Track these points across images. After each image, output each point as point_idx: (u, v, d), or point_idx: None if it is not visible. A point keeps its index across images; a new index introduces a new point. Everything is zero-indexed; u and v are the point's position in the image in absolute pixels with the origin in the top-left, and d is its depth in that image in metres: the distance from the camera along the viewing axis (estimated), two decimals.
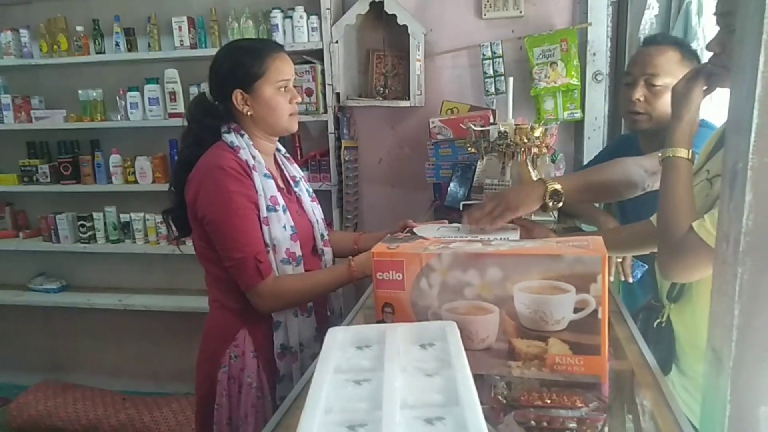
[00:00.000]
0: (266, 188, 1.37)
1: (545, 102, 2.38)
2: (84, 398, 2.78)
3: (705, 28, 1.86)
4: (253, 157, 1.38)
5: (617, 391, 0.88)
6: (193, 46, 2.65)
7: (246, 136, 1.40)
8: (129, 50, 2.73)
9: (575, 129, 2.51)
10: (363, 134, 2.72)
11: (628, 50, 2.30)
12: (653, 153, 1.28)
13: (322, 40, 2.47)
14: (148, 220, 2.91)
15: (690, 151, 1.05)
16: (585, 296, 0.73)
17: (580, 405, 0.74)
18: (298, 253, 1.40)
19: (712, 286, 0.62)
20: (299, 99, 1.45)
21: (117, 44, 2.71)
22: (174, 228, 1.49)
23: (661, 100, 1.50)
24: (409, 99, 2.45)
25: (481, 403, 0.56)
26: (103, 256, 3.08)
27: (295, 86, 1.44)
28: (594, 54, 2.36)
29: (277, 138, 1.49)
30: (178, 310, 2.88)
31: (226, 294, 1.41)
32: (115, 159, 2.83)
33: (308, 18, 2.49)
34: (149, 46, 2.70)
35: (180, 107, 2.67)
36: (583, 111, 2.38)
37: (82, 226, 2.95)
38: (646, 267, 1.56)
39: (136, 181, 2.83)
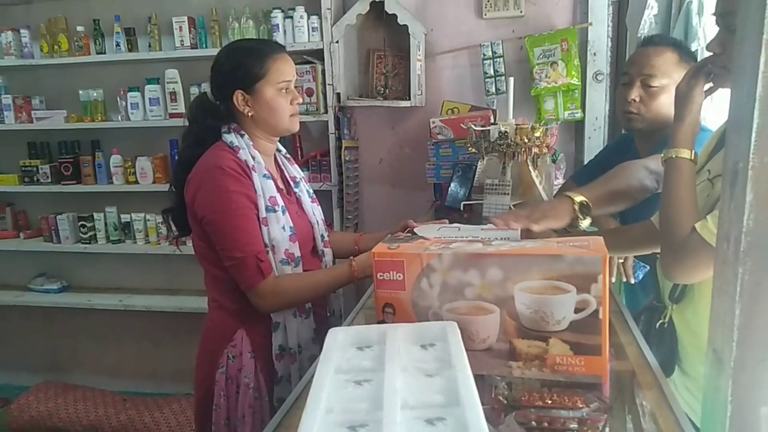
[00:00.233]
0: (265, 189, 1.36)
1: (546, 102, 2.38)
2: (85, 399, 2.79)
3: (705, 28, 1.85)
4: (253, 158, 1.38)
5: (618, 391, 0.88)
6: (193, 46, 2.65)
7: (246, 136, 1.40)
8: (129, 50, 2.73)
9: (576, 129, 2.51)
10: (363, 134, 2.72)
11: (628, 50, 2.30)
12: (656, 155, 1.27)
13: (322, 40, 2.47)
14: (148, 220, 2.91)
15: (692, 151, 1.05)
16: (586, 296, 0.73)
17: (581, 405, 0.75)
18: (297, 254, 1.40)
19: (712, 286, 0.62)
20: (300, 100, 1.44)
21: (117, 44, 2.71)
22: (174, 227, 1.50)
23: (657, 101, 1.49)
24: (409, 99, 2.45)
25: (482, 404, 0.56)
26: (103, 256, 3.09)
27: (295, 86, 1.44)
28: (594, 54, 2.36)
29: (277, 138, 1.49)
30: (178, 310, 2.88)
31: (225, 294, 1.41)
32: (115, 159, 2.84)
33: (309, 18, 2.49)
34: (150, 46, 2.71)
35: (180, 107, 2.67)
36: (583, 111, 2.38)
37: (83, 226, 2.95)
38: (648, 268, 1.55)
39: (136, 182, 2.83)
